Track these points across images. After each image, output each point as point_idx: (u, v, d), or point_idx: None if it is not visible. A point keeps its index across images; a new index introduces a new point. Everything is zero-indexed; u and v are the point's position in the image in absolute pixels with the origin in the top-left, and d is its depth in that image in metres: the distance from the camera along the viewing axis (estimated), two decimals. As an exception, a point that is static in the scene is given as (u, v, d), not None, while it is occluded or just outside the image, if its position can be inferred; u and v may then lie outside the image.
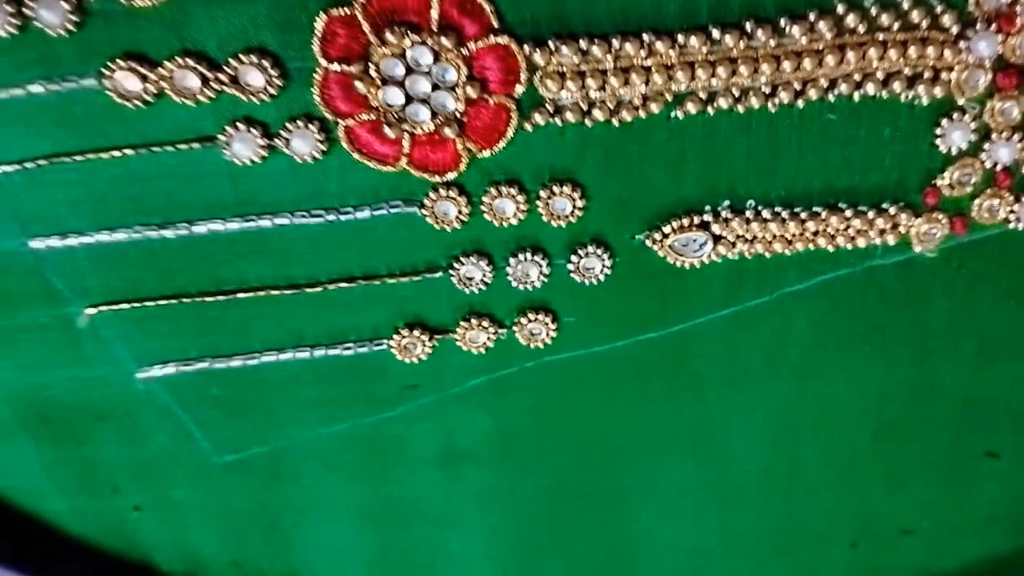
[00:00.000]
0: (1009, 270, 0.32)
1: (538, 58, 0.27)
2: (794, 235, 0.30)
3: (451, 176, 0.29)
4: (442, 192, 0.29)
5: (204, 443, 0.35)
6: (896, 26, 0.27)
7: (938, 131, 0.29)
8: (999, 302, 0.33)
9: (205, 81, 0.27)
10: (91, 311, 0.31)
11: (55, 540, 0.39)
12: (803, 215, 0.30)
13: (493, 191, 0.29)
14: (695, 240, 0.30)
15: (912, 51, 0.27)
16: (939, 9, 0.27)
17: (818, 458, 0.37)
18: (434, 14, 0.26)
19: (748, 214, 0.30)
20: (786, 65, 0.27)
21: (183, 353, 0.32)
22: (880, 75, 0.28)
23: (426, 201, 0.29)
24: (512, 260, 0.31)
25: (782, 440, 0.36)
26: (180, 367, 0.33)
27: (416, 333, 0.32)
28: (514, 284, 0.31)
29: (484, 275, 0.31)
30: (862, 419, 0.36)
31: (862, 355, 0.34)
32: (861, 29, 0.27)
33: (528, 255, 0.31)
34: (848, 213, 0.30)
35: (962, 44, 0.27)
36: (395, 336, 0.32)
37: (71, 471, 0.36)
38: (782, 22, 0.27)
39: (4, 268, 0.30)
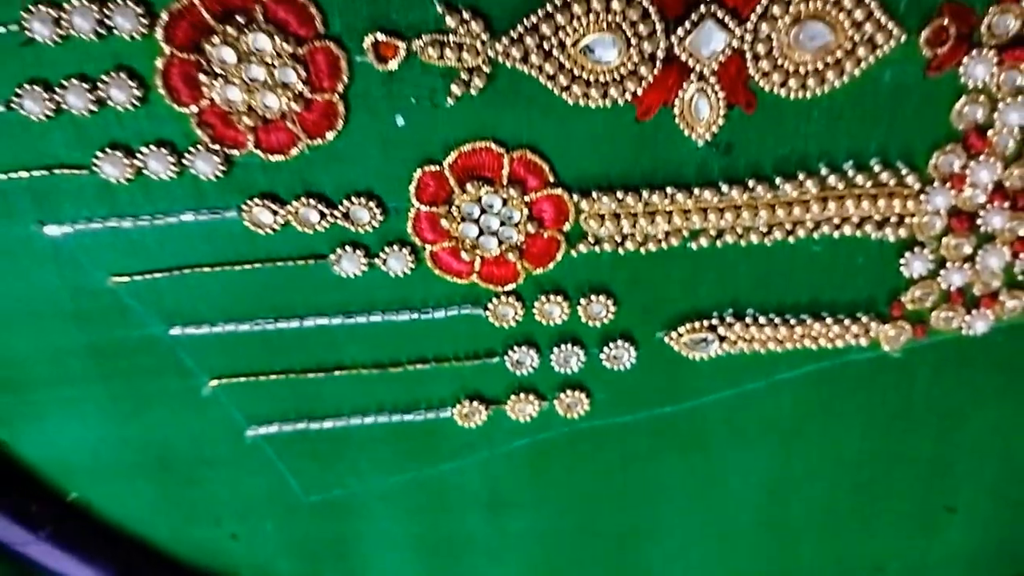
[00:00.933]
0: (961, 366, 0.39)
1: (584, 204, 0.34)
2: (785, 337, 0.38)
3: (510, 287, 0.36)
4: (502, 299, 0.36)
5: (295, 486, 0.42)
6: (869, 184, 0.34)
7: (902, 261, 0.36)
8: (954, 389, 0.40)
9: (323, 216, 0.34)
10: (214, 383, 0.39)
11: (156, 563, 0.46)
12: (792, 322, 0.37)
13: (543, 299, 0.37)
14: (705, 339, 0.38)
15: (881, 203, 0.34)
16: (904, 171, 0.34)
17: (803, 509, 0.44)
18: (505, 172, 0.33)
19: (748, 320, 0.37)
20: (780, 212, 0.34)
21: (285, 415, 0.40)
22: (856, 219, 0.35)
23: (489, 305, 0.37)
24: (555, 350, 0.38)
25: (773, 494, 0.44)
26: (282, 426, 0.40)
27: (475, 404, 0.40)
28: (556, 368, 0.39)
29: (532, 361, 0.38)
30: (841, 479, 0.43)
31: (841, 428, 0.41)
32: (840, 186, 0.34)
33: (569, 346, 0.38)
34: (829, 321, 0.37)
35: (922, 197, 0.34)
36: (457, 405, 0.40)
37: (181, 506, 0.43)
38: (777, 180, 0.34)
39: (146, 348, 0.38)
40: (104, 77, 0.31)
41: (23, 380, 0.39)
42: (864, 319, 0.37)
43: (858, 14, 0.30)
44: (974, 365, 0.39)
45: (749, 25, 0.30)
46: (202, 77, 0.31)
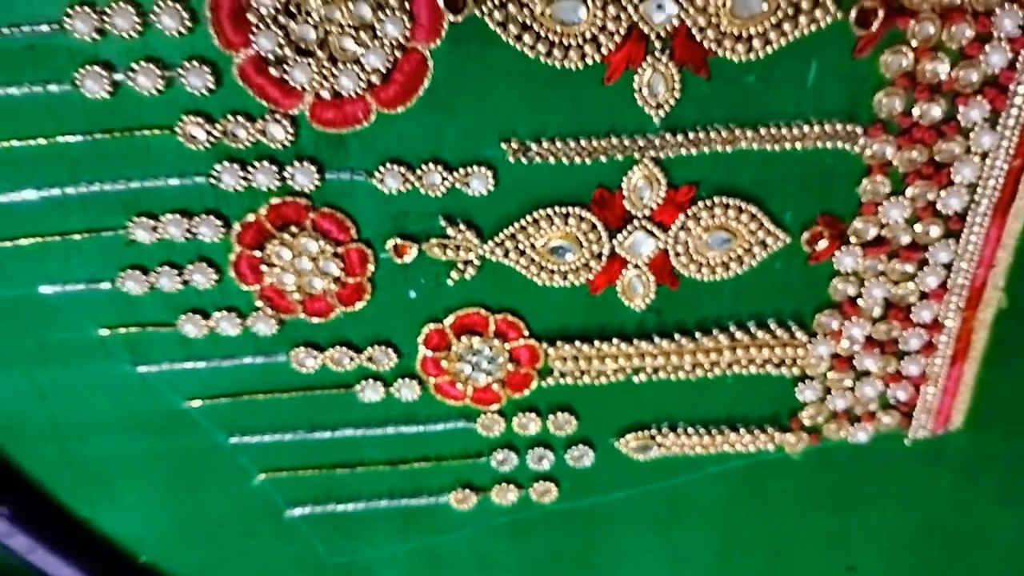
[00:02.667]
0: (846, 465, 0.50)
1: (551, 351, 0.44)
2: (709, 443, 0.48)
3: (495, 407, 0.46)
4: (489, 416, 0.47)
5: (321, 551, 0.52)
6: (768, 337, 0.44)
7: (797, 390, 0.46)
8: (841, 478, 0.50)
9: (351, 359, 0.44)
10: (262, 476, 0.49)
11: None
12: (714, 432, 0.48)
13: (520, 415, 0.47)
14: (647, 445, 0.48)
15: (777, 351, 0.45)
16: (794, 328, 0.44)
17: (719, 566, 0.55)
18: (491, 328, 0.43)
19: (679, 431, 0.48)
20: (700, 357, 0.44)
21: (317, 499, 0.50)
22: (759, 362, 0.45)
23: (479, 420, 0.47)
24: (530, 452, 0.48)
25: (715, 566, 0.54)
26: (314, 508, 0.50)
27: (466, 491, 0.50)
28: (531, 465, 0.49)
29: (512, 461, 0.49)
30: (759, 542, 0.53)
31: (757, 505, 0.52)
32: (746, 339, 0.44)
33: (541, 449, 0.48)
34: (743, 432, 0.48)
35: (809, 347, 0.44)
36: (452, 492, 0.50)
37: (227, 567, 0.53)
38: (697, 334, 0.44)
39: (208, 451, 0.48)
40: (189, 266, 0.41)
41: (107, 474, 0.49)
42: (770, 430, 0.48)
43: (752, 225, 0.41)
44: (862, 461, 0.50)
45: (671, 233, 0.41)
46: (264, 267, 0.41)
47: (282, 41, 0.35)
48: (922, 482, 0.52)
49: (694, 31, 0.36)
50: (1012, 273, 0.43)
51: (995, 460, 0.51)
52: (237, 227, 0.40)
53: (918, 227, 0.41)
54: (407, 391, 0.46)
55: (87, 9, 0.35)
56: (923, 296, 0.43)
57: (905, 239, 0.41)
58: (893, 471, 0.51)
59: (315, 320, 0.43)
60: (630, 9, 0.35)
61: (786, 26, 0.36)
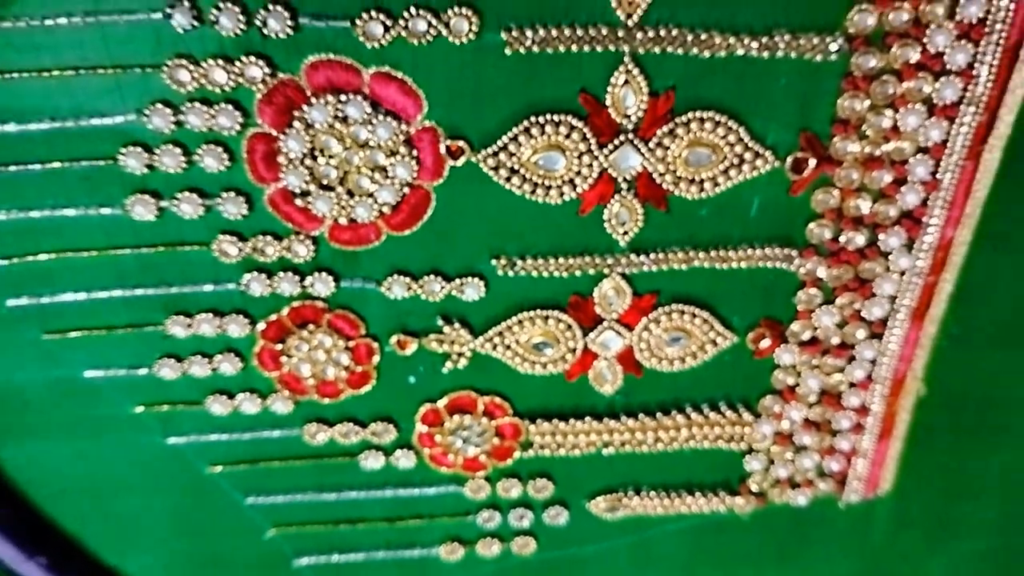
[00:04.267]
0: (789, 523, 0.56)
1: (532, 427, 0.51)
2: (668, 505, 0.54)
3: (482, 474, 0.53)
4: (476, 481, 0.53)
5: (324, 594, 0.58)
6: (719, 418, 0.51)
7: (744, 461, 0.53)
8: (785, 535, 0.57)
9: (357, 433, 0.50)
10: (273, 531, 0.54)
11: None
12: (673, 494, 0.54)
13: (504, 480, 0.53)
14: (614, 506, 0.54)
15: (727, 429, 0.51)
16: (741, 411, 0.51)
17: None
18: (480, 408, 0.49)
19: (642, 494, 0.54)
20: (661, 433, 0.51)
21: (322, 550, 0.56)
22: (712, 437, 0.51)
23: (467, 484, 0.53)
24: (512, 511, 0.55)
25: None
26: (319, 558, 0.56)
27: (455, 544, 0.56)
28: (513, 523, 0.55)
29: (496, 519, 0.55)
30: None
31: (712, 558, 0.58)
32: (700, 419, 0.51)
33: (522, 510, 0.55)
34: (698, 495, 0.54)
35: (755, 426, 0.51)
36: (443, 546, 0.56)
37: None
38: (658, 415, 0.51)
39: (228, 508, 0.53)
40: (218, 356, 0.47)
41: (134, 527, 0.55)
42: (722, 494, 0.55)
43: (705, 328, 0.47)
44: (803, 520, 0.56)
45: (636, 332, 0.47)
46: (283, 358, 0.47)
47: (307, 179, 0.42)
48: (856, 537, 0.58)
49: (655, 176, 0.42)
50: (929, 367, 0.50)
51: (919, 517, 0.58)
52: (261, 324, 0.46)
53: (846, 330, 0.48)
54: (404, 460, 0.52)
55: (139, 149, 0.41)
56: (852, 385, 0.50)
57: (835, 340, 0.48)
58: (831, 528, 0.57)
59: (326, 401, 0.49)
60: (601, 159, 0.42)
61: (732, 172, 0.42)
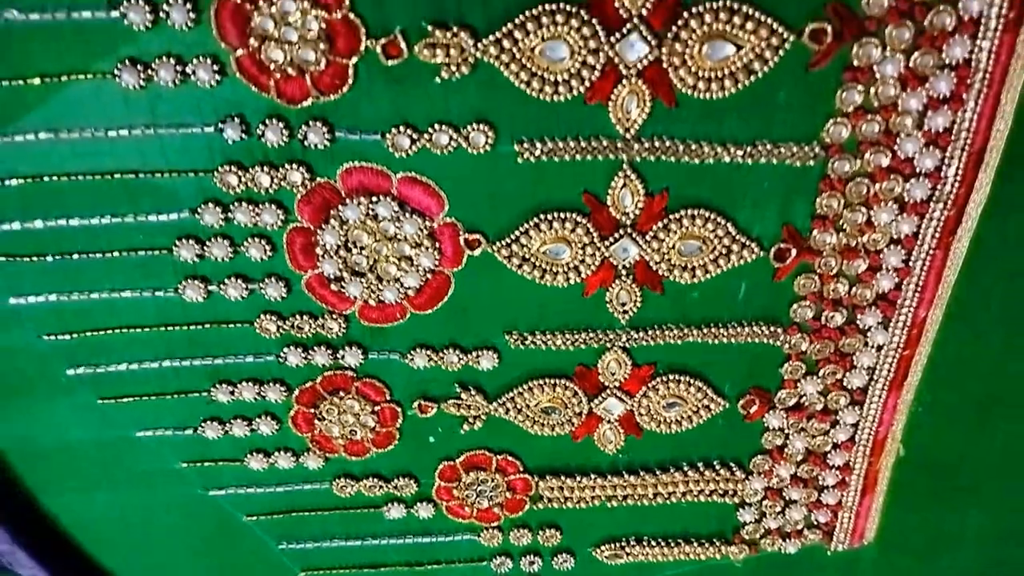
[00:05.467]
0: (780, 571, 0.60)
1: (541, 483, 0.55)
2: (667, 553, 0.59)
3: (495, 524, 0.57)
4: (489, 530, 0.57)
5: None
6: (713, 475, 0.55)
7: (737, 513, 0.57)
8: (780, 581, 0.61)
9: (380, 488, 0.55)
10: (302, 575, 0.59)
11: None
12: (671, 543, 0.59)
13: (515, 530, 0.58)
14: (617, 554, 0.59)
15: (721, 485, 0.56)
16: (735, 468, 0.55)
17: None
18: (493, 464, 0.54)
19: (644, 543, 0.58)
20: (660, 488, 0.55)
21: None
22: (707, 492, 0.56)
23: (481, 533, 0.58)
24: (523, 558, 0.59)
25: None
26: (344, 598, 0.61)
27: (470, 586, 0.60)
28: (523, 568, 0.60)
29: (508, 565, 0.59)
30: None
31: (710, 601, 0.62)
32: (696, 476, 0.55)
33: (531, 556, 0.59)
34: (694, 543, 0.59)
35: (747, 482, 0.55)
36: (459, 587, 0.61)
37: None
38: (658, 472, 0.55)
39: (260, 553, 0.58)
40: (257, 418, 0.52)
41: (170, 569, 0.59)
42: (717, 543, 0.59)
43: (699, 395, 0.51)
44: (793, 567, 0.60)
45: (636, 399, 0.51)
46: (316, 420, 0.52)
47: (341, 267, 0.46)
48: (844, 582, 0.63)
49: (651, 263, 0.47)
50: (906, 430, 0.54)
51: (903, 566, 0.62)
52: (297, 391, 0.51)
53: (830, 397, 0.52)
54: (424, 511, 0.57)
55: (192, 241, 0.46)
56: (836, 447, 0.54)
57: (819, 406, 0.53)
58: (820, 574, 0.61)
59: (354, 458, 0.54)
60: (602, 249, 0.46)
61: (721, 260, 0.47)
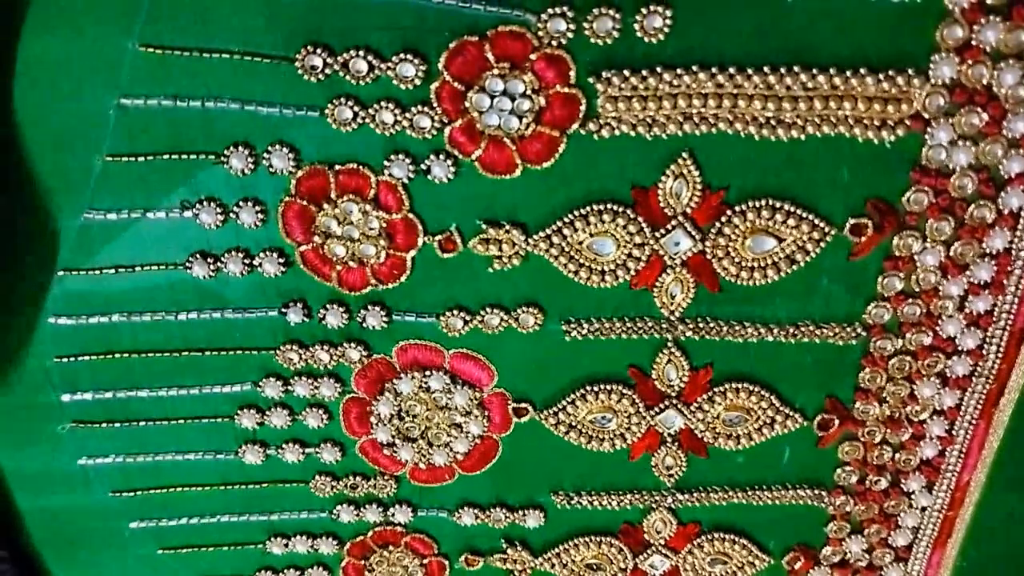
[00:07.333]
0: None
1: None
2: None
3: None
4: None
5: None
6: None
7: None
8: None
9: None
10: None
11: None
12: None
13: None
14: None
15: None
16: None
17: None
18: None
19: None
20: None
21: None
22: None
23: None
24: None
25: None
26: None
27: None
28: None
29: None
30: None
31: None
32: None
33: None
34: None
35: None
36: None
37: None
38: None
39: None
40: (309, 569, 0.53)
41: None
42: None
43: (744, 552, 0.52)
44: None
45: (680, 558, 0.52)
46: (366, 572, 0.53)
47: (394, 433, 0.48)
48: None
49: (696, 431, 0.48)
50: (952, 582, 0.54)
51: None
52: (348, 544, 0.52)
53: (874, 554, 0.52)
54: None
55: (253, 411, 0.48)
56: (881, 600, 0.55)
57: (864, 563, 0.53)
58: None
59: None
60: (648, 418, 0.47)
61: (765, 429, 0.48)
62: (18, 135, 0.40)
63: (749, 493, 0.51)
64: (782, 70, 0.38)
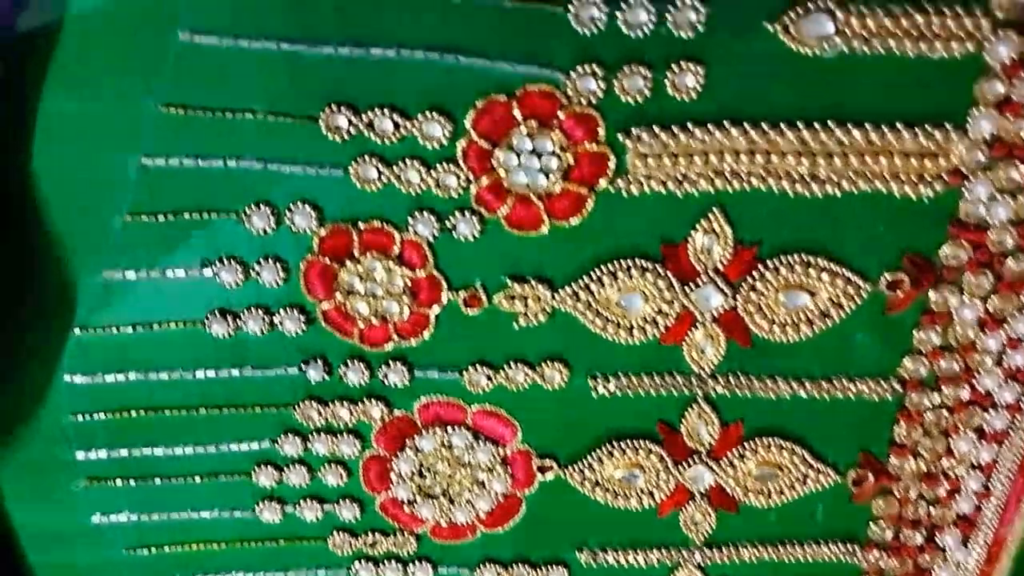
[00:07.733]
0: None
1: None
2: None
3: None
4: None
5: None
6: None
7: None
8: None
9: None
10: None
11: None
12: None
13: None
14: None
15: None
16: (810, 675, 0.54)
17: None
18: None
19: None
20: None
21: None
22: None
23: None
24: None
25: None
26: None
27: None
28: None
29: None
30: None
31: None
32: None
33: None
34: None
35: None
36: None
37: None
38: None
39: None
40: None
41: None
42: None
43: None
44: None
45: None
46: None
47: (415, 491, 0.47)
48: None
49: (726, 488, 0.46)
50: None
51: None
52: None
53: (909, 612, 0.51)
54: None
55: (271, 468, 0.46)
56: (915, 659, 0.53)
57: (897, 622, 0.52)
58: None
59: None
60: (676, 475, 0.46)
61: (797, 486, 0.46)
62: (39, 193, 0.40)
63: (780, 549, 0.49)
64: (817, 126, 0.38)
